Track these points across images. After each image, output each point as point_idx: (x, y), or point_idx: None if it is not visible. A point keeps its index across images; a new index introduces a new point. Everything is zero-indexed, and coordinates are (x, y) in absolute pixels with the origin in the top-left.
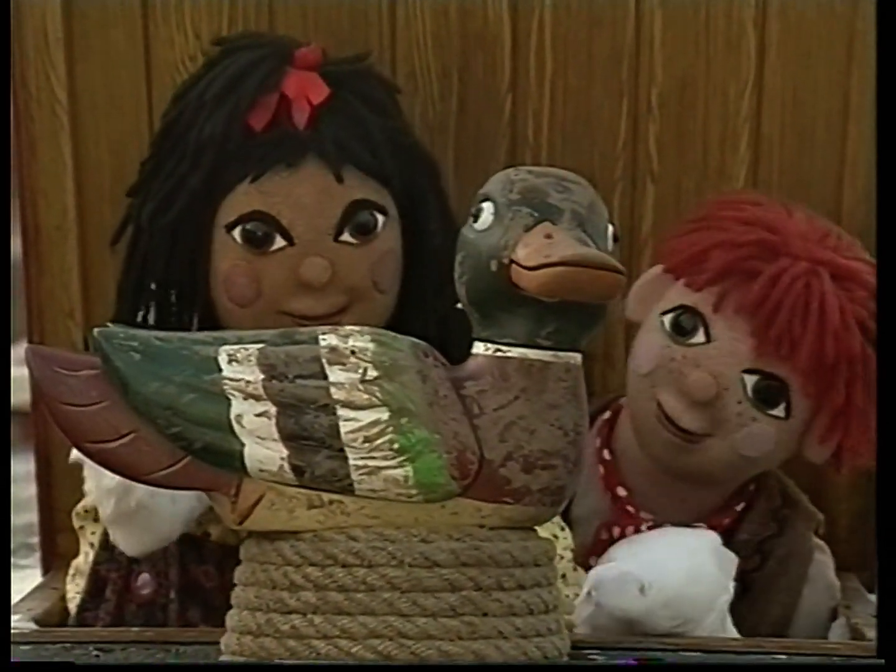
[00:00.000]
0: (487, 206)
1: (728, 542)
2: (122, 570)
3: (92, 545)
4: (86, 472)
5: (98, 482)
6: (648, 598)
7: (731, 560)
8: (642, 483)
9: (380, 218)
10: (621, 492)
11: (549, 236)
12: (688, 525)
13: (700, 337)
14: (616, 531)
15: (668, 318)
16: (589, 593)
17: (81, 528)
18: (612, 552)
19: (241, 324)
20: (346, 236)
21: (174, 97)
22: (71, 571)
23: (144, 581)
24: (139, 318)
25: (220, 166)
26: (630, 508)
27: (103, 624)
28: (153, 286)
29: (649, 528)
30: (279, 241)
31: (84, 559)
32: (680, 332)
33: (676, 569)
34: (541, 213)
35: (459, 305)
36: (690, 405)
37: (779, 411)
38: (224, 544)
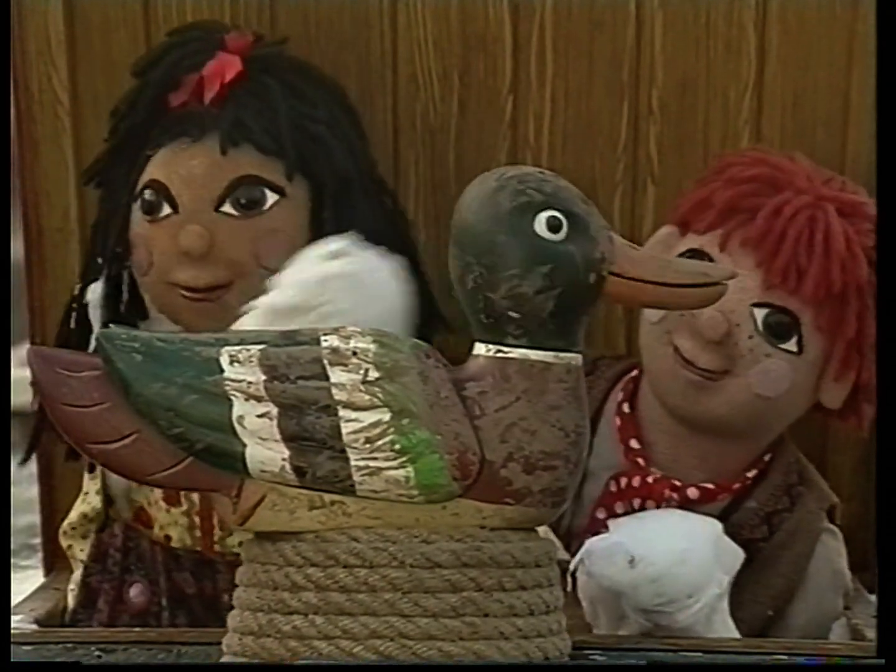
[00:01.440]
0: (561, 216)
1: (737, 507)
2: (115, 580)
3: (82, 561)
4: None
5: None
6: (636, 571)
7: (734, 554)
8: (659, 439)
9: (269, 195)
10: (634, 444)
11: (632, 247)
12: (698, 485)
13: None
14: (623, 482)
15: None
16: (581, 561)
17: (70, 546)
18: (611, 524)
19: (144, 293)
20: (226, 207)
21: (131, 74)
22: (70, 586)
23: (138, 591)
24: (75, 291)
25: (140, 142)
26: (640, 461)
27: None
28: (98, 259)
29: (655, 481)
30: (166, 209)
31: (80, 574)
32: None
33: (669, 548)
34: (606, 224)
35: (512, 314)
36: (706, 345)
37: (791, 345)
38: (193, 550)
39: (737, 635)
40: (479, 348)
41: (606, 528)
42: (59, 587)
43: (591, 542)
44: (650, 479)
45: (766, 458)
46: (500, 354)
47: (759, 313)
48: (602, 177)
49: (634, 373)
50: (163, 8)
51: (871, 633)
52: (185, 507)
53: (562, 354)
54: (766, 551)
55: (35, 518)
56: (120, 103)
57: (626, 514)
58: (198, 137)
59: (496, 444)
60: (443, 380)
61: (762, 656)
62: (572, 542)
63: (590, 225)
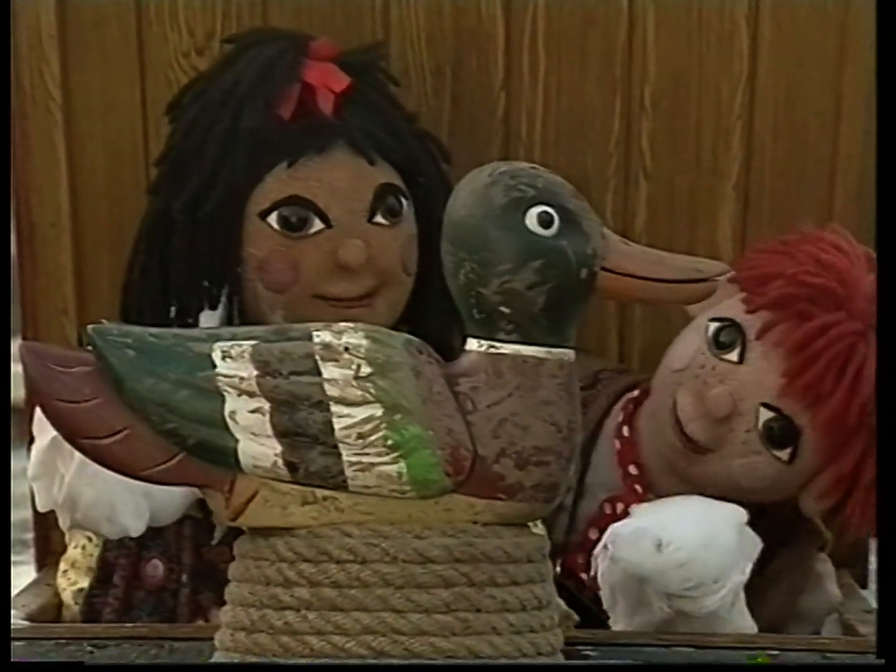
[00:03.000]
0: (553, 211)
1: None
2: (131, 556)
3: (90, 539)
4: (35, 488)
5: (46, 499)
6: (663, 556)
7: (754, 542)
8: (657, 467)
9: (404, 202)
10: (633, 470)
11: (625, 243)
12: None
13: (734, 355)
14: (620, 507)
15: (713, 326)
16: (605, 547)
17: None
18: (634, 510)
19: (274, 309)
20: (378, 218)
21: (194, 95)
22: (63, 567)
23: (155, 567)
24: (172, 314)
25: (254, 157)
26: (638, 487)
27: (111, 610)
28: (205, 282)
29: None
30: (317, 224)
31: (79, 553)
32: (718, 343)
33: (695, 532)
34: (599, 219)
35: (503, 308)
36: (702, 415)
37: (783, 454)
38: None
39: (754, 625)
40: (472, 344)
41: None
42: (52, 583)
43: (616, 528)
44: None
45: None
46: (492, 350)
47: (765, 414)
48: (594, 172)
49: (635, 393)
50: (154, 3)
51: (863, 629)
52: None
53: (554, 350)
54: (757, 586)
55: (27, 513)
56: (205, 120)
57: None
58: (323, 149)
59: (489, 439)
60: (435, 375)
61: (754, 650)
62: (566, 557)
63: (582, 220)
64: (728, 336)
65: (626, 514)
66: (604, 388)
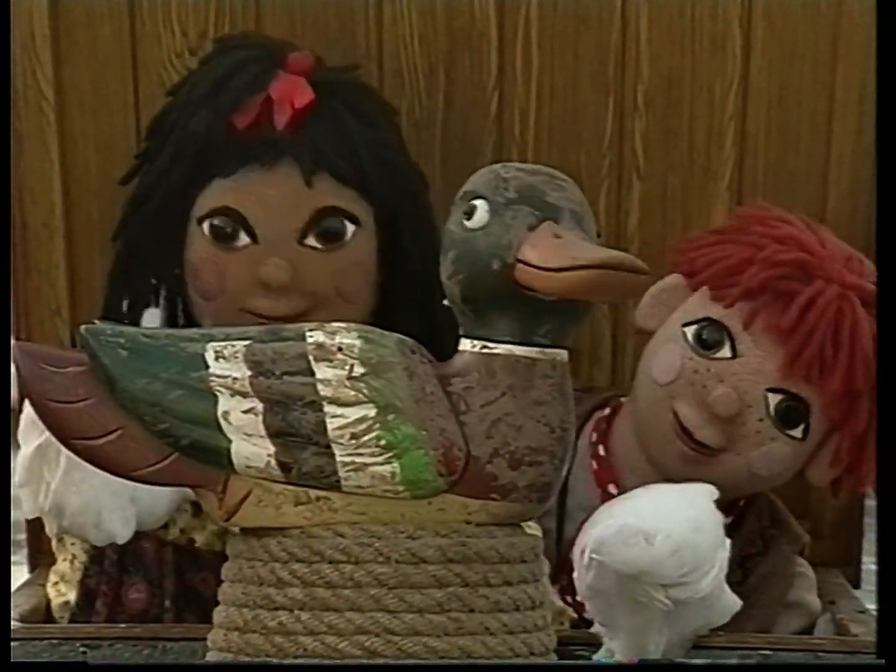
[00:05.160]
0: (481, 204)
1: None
2: (113, 582)
3: (75, 556)
4: (21, 495)
5: (32, 506)
6: (655, 548)
7: (721, 517)
8: (635, 482)
9: (349, 227)
10: (613, 489)
11: (557, 236)
12: None
13: (726, 351)
14: None
15: (691, 330)
16: (590, 557)
17: (61, 539)
18: (603, 511)
19: (203, 316)
20: (310, 240)
21: (167, 93)
22: (53, 578)
23: (137, 592)
24: (124, 308)
25: (200, 162)
26: None
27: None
28: (153, 280)
29: None
30: (244, 239)
31: (68, 566)
32: (704, 345)
33: (681, 517)
34: (542, 213)
35: (446, 302)
36: (709, 419)
37: (797, 432)
38: (220, 552)
39: (737, 599)
40: (465, 344)
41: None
42: (44, 583)
43: (597, 534)
44: None
45: (742, 503)
46: (485, 350)
47: (774, 398)
48: (588, 172)
49: (606, 411)
50: (147, 3)
51: (855, 629)
52: None
53: (547, 350)
54: (741, 596)
55: (19, 514)
56: (170, 119)
57: None
58: (270, 164)
59: (482, 439)
60: (428, 375)
61: (747, 651)
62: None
63: (507, 212)
64: (711, 335)
65: None
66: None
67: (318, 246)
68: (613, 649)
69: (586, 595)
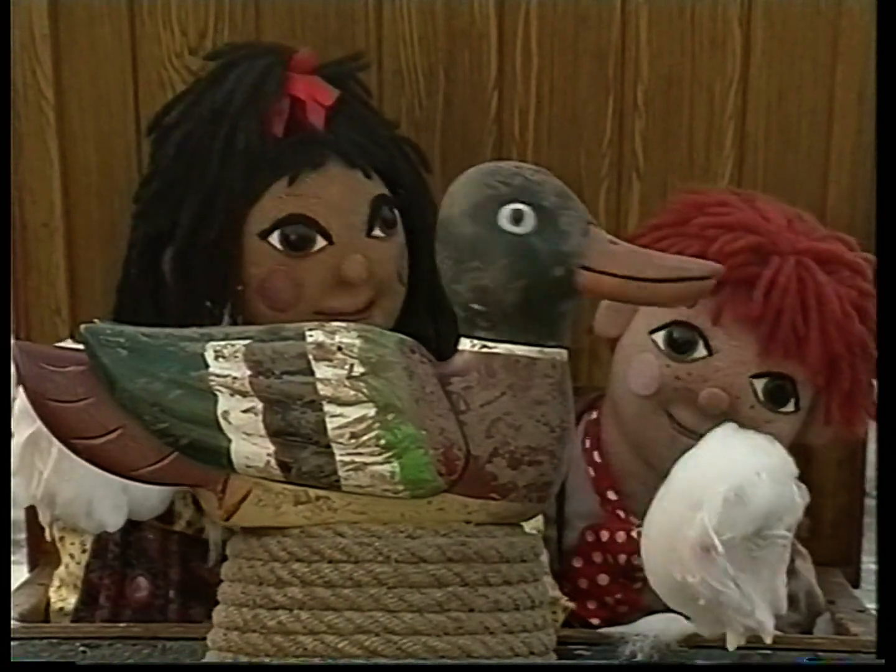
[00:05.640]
0: (526, 209)
1: None
2: (116, 575)
3: (72, 556)
4: (14, 483)
5: (25, 494)
6: (763, 485)
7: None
8: (637, 490)
9: (396, 212)
10: (612, 495)
11: (613, 242)
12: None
13: (701, 351)
14: (605, 535)
15: (660, 337)
16: (719, 545)
17: (62, 538)
18: (678, 500)
19: None
20: (376, 231)
21: (180, 115)
22: (55, 583)
23: (141, 584)
24: None
25: (252, 175)
26: (620, 513)
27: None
28: (208, 303)
29: (639, 533)
30: (320, 242)
31: (65, 569)
32: (678, 349)
33: (758, 451)
34: (584, 217)
35: (476, 306)
36: (706, 418)
37: (789, 407)
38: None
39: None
40: (465, 343)
41: (582, 576)
42: (44, 583)
43: (708, 521)
44: (635, 534)
45: None
46: (485, 350)
47: (759, 383)
48: (587, 172)
49: (594, 415)
50: (147, 3)
51: (855, 628)
52: None
53: (546, 350)
54: None
55: (20, 513)
56: (194, 135)
57: (604, 563)
58: (319, 165)
59: (481, 439)
60: (428, 375)
61: (748, 651)
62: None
63: (559, 218)
64: (682, 337)
65: (612, 541)
66: None
67: (382, 235)
68: (756, 623)
69: (726, 585)
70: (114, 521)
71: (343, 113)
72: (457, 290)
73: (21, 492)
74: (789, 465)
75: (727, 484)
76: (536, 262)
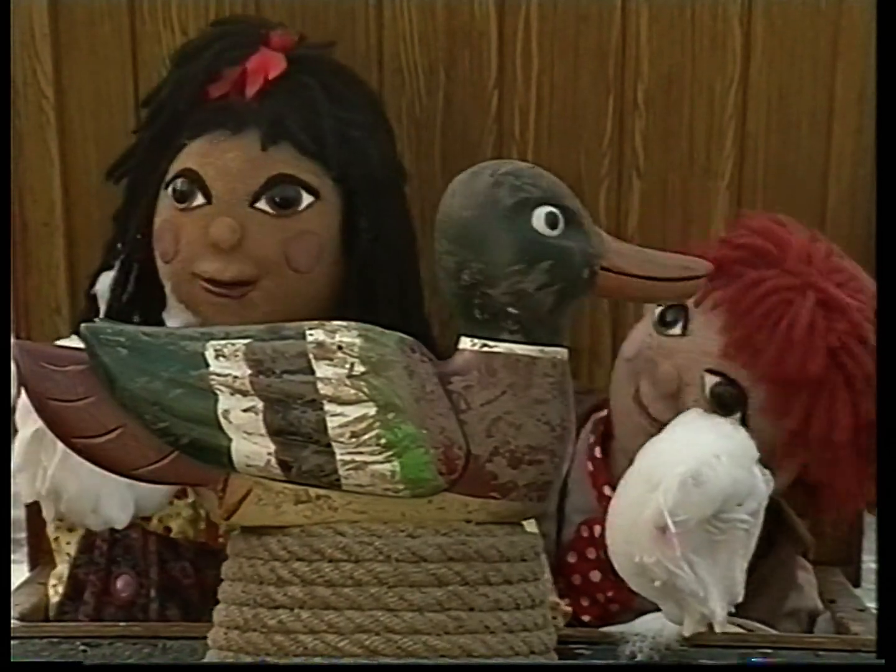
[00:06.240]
0: (557, 212)
1: None
2: (101, 572)
3: (68, 555)
4: (18, 479)
5: (29, 490)
6: (722, 468)
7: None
8: None
9: (305, 196)
10: (608, 491)
11: (619, 242)
12: None
13: (678, 329)
14: (597, 529)
15: (659, 308)
16: (672, 526)
17: (56, 539)
18: (638, 484)
19: (164, 279)
20: (262, 204)
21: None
22: (52, 581)
23: (125, 583)
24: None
25: (172, 130)
26: None
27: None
28: (118, 244)
29: None
30: (199, 199)
31: (63, 568)
32: (663, 322)
33: (716, 434)
34: (591, 218)
35: (512, 309)
36: (660, 395)
37: (733, 420)
38: (196, 541)
39: None
40: (465, 342)
41: (576, 572)
42: (44, 582)
43: (664, 501)
44: None
45: None
46: (485, 349)
47: (710, 380)
48: (588, 171)
49: (603, 412)
50: (147, 2)
51: (855, 627)
52: (190, 498)
53: (547, 349)
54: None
55: (20, 513)
56: (156, 91)
57: (596, 559)
58: (236, 131)
59: (482, 438)
60: (428, 374)
61: (747, 650)
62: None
63: (583, 220)
64: (672, 313)
65: (604, 537)
66: None
67: (270, 211)
68: (710, 611)
69: (679, 566)
70: (120, 518)
71: (288, 90)
72: (490, 293)
73: (25, 488)
74: (751, 450)
75: (685, 466)
76: (572, 264)
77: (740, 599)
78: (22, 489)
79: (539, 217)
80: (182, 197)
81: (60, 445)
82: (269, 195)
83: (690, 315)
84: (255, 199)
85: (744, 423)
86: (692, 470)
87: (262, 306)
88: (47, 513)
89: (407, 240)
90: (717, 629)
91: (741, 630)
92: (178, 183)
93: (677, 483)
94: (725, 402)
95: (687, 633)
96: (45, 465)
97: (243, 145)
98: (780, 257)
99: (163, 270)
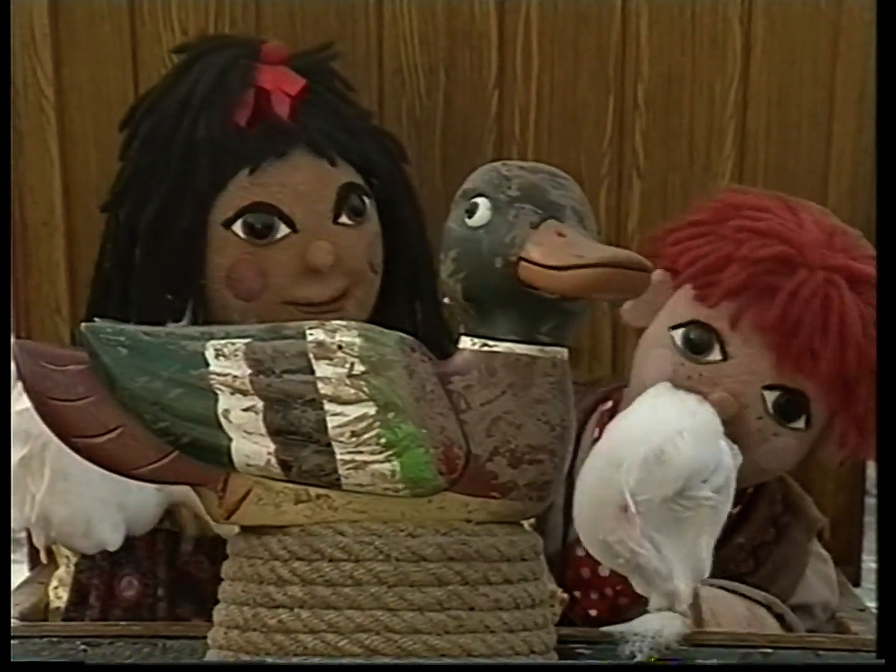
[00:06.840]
0: (483, 202)
1: (724, 543)
2: (105, 575)
3: (69, 557)
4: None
5: (19, 518)
6: (685, 446)
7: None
8: None
9: (366, 200)
10: None
11: (561, 234)
12: None
13: (716, 354)
14: None
15: (679, 334)
16: (635, 505)
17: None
18: (604, 465)
19: (246, 318)
20: (343, 219)
21: (147, 108)
22: (53, 583)
23: (130, 584)
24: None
25: (215, 166)
26: None
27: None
28: (168, 296)
29: None
30: (283, 229)
31: (65, 570)
32: (693, 349)
33: (681, 411)
34: (545, 211)
35: (446, 300)
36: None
37: (799, 423)
38: (214, 535)
39: None
40: (465, 342)
41: (585, 565)
42: (44, 582)
43: (626, 479)
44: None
45: (749, 491)
46: (485, 348)
47: (770, 395)
48: (588, 171)
49: (608, 405)
50: (147, 2)
51: (856, 627)
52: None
53: (547, 349)
54: (754, 586)
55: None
56: (160, 127)
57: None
58: (284, 153)
59: (482, 437)
60: (428, 374)
61: (747, 649)
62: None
63: (510, 210)
64: (700, 338)
65: None
66: (577, 403)
67: (350, 222)
68: (673, 588)
69: (640, 544)
70: (112, 540)
71: (311, 102)
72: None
73: (15, 514)
74: (715, 425)
75: (647, 444)
76: (476, 253)
77: (706, 576)
78: (12, 517)
79: (464, 207)
80: (262, 232)
81: (47, 472)
82: (346, 208)
83: (725, 337)
84: (337, 215)
85: (808, 422)
86: (655, 448)
87: (355, 314)
88: (37, 539)
89: (424, 235)
90: (678, 608)
91: (751, 597)
92: (252, 218)
93: (640, 462)
94: (791, 412)
95: (651, 610)
96: (32, 492)
97: (302, 166)
98: (798, 253)
99: (241, 309)
